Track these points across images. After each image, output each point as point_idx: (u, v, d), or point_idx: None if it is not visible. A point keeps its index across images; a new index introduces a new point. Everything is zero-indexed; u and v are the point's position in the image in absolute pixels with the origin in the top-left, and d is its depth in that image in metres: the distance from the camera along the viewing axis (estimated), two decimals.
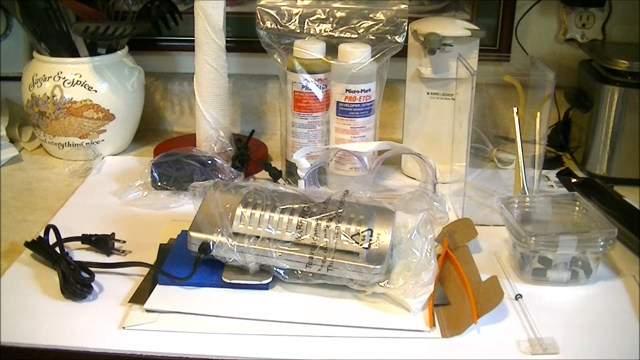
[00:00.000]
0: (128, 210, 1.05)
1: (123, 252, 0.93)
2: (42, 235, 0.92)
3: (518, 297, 0.83)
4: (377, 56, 1.07)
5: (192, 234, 0.85)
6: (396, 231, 0.88)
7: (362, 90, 1.08)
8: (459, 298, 0.82)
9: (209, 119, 1.16)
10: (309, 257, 0.83)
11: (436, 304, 0.82)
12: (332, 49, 1.09)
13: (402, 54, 1.11)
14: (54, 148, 1.23)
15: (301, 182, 1.05)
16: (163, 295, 0.83)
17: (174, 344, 0.75)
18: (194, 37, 1.13)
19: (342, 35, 1.10)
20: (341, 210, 0.85)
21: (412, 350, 0.75)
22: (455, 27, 1.11)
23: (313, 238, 0.83)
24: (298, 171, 1.06)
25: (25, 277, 0.87)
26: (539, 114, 1.04)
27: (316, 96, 1.09)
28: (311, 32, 1.10)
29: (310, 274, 0.84)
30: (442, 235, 0.94)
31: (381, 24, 1.09)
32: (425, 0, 1.31)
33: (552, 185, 1.15)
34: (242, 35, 1.31)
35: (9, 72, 1.36)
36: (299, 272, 0.84)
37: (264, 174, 1.16)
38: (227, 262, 0.85)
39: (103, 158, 1.24)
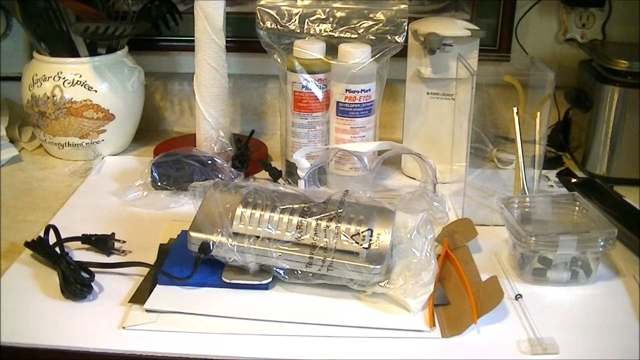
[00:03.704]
0: (128, 210, 1.05)
1: (123, 252, 0.93)
2: (42, 235, 0.91)
3: (518, 297, 0.83)
4: (377, 56, 1.07)
5: (192, 234, 0.85)
6: (396, 231, 0.87)
7: (362, 90, 1.07)
8: (459, 298, 0.82)
9: (209, 119, 1.16)
10: (309, 257, 0.82)
11: (436, 304, 0.82)
12: (332, 49, 1.09)
13: (402, 54, 1.11)
14: (54, 148, 1.23)
15: (301, 182, 1.05)
16: (163, 295, 0.83)
17: (174, 344, 0.75)
18: (194, 37, 1.13)
19: (342, 35, 1.10)
20: (341, 210, 0.85)
21: (412, 350, 0.75)
22: (455, 27, 1.11)
23: (313, 238, 0.83)
24: (298, 171, 1.06)
25: (25, 277, 0.87)
26: (539, 114, 1.04)
27: (316, 96, 1.09)
28: (311, 32, 1.10)
29: (310, 274, 0.84)
30: (442, 235, 0.94)
31: (381, 24, 1.09)
32: (425, 0, 1.31)
33: (552, 185, 1.15)
34: (242, 35, 1.31)
35: (9, 72, 1.35)
36: (299, 272, 0.84)
37: (264, 174, 1.16)
38: (227, 262, 0.85)
39: (103, 158, 1.24)
